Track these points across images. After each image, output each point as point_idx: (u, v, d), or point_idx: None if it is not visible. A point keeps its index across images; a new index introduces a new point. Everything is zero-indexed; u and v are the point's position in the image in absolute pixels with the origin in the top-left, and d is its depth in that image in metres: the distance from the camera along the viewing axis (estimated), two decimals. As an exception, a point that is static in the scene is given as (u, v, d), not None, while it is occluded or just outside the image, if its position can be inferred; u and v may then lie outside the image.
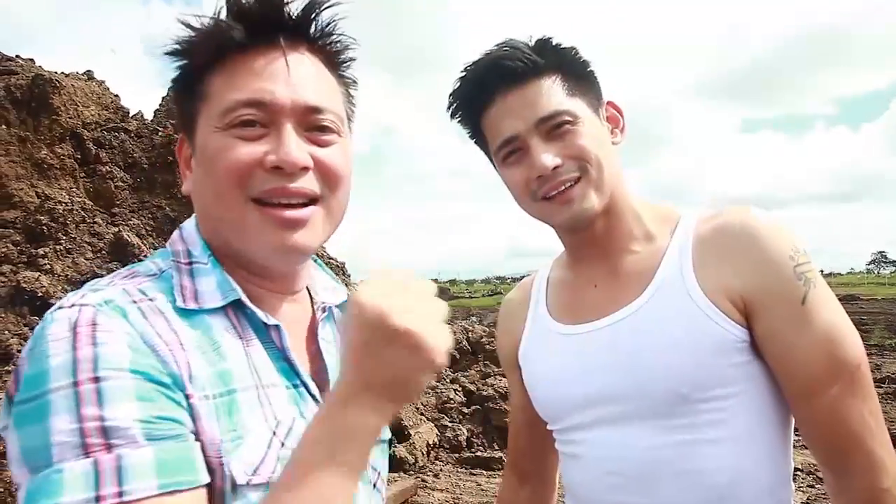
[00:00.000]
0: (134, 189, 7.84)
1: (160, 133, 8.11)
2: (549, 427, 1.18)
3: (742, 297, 0.98)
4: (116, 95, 8.98)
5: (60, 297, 5.36)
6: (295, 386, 0.84)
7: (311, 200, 0.83)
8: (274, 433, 0.77)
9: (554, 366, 1.13)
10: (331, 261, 9.15)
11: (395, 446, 6.45)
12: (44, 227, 6.36)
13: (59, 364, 0.65)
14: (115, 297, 0.74)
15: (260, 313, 0.83)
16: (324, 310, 0.96)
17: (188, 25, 0.82)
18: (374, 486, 0.95)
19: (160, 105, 8.82)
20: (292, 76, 0.82)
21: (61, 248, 6.29)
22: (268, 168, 0.79)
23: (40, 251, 6.08)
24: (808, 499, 5.47)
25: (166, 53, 0.85)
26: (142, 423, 0.65)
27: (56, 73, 8.17)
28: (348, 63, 0.91)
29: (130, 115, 8.92)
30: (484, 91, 1.07)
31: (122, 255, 6.46)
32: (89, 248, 6.52)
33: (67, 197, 6.97)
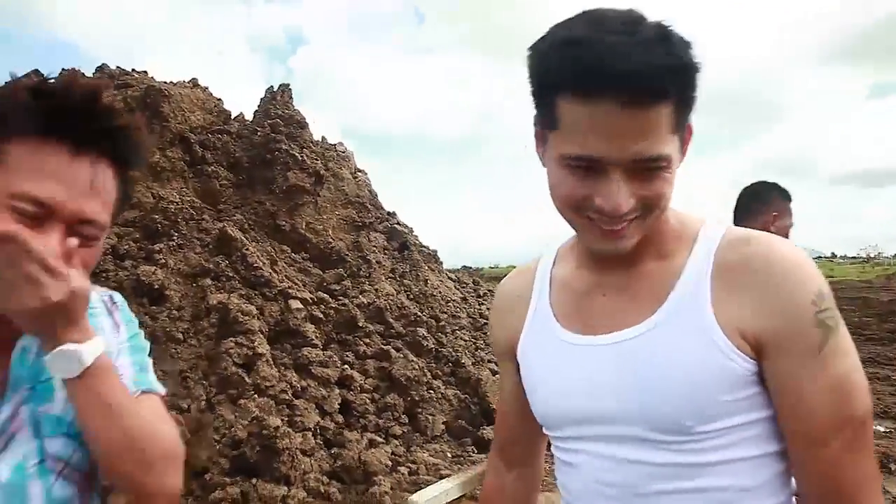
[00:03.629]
0: (236, 187, 8.40)
1: (258, 133, 8.63)
2: (544, 430, 1.19)
3: (757, 336, 0.94)
4: (219, 99, 9.61)
5: (174, 289, 5.86)
6: None
7: None
8: None
9: (556, 375, 1.09)
10: (423, 248, 9.43)
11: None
12: (158, 225, 6.97)
13: None
14: None
15: None
16: None
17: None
18: (60, 473, 0.99)
19: (258, 106, 9.35)
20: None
21: (174, 243, 6.87)
22: None
23: (156, 247, 6.68)
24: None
25: None
26: None
27: (165, 83, 8.86)
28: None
29: (232, 116, 9.53)
30: (591, 84, 0.86)
31: (226, 249, 6.98)
32: (198, 243, 7.08)
33: (178, 197, 7.58)
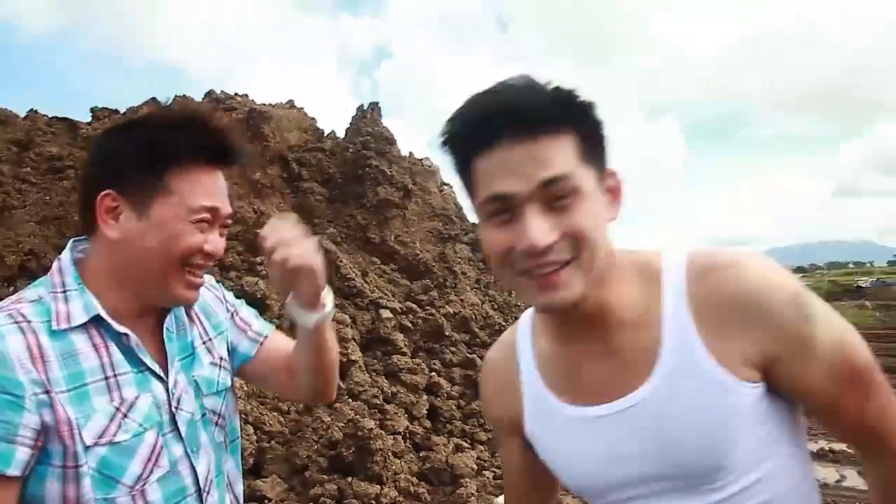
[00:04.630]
0: (330, 201, 8.88)
1: (350, 150, 9.10)
2: (586, 499, 1.20)
3: (762, 359, 0.99)
4: (313, 118, 10.17)
5: (275, 299, 6.32)
6: (140, 371, 1.14)
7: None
8: (117, 409, 1.08)
9: (578, 455, 1.09)
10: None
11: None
12: (260, 239, 7.49)
13: None
14: (0, 323, 1.04)
15: (114, 325, 1.11)
16: (168, 308, 1.24)
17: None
18: (216, 424, 1.25)
19: (349, 124, 9.84)
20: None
21: (274, 256, 7.37)
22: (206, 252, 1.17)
23: (258, 259, 7.18)
24: None
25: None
26: None
27: (265, 105, 9.48)
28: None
29: (325, 134, 10.06)
30: (488, 131, 0.92)
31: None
32: (296, 255, 7.55)
33: (277, 212, 8.11)
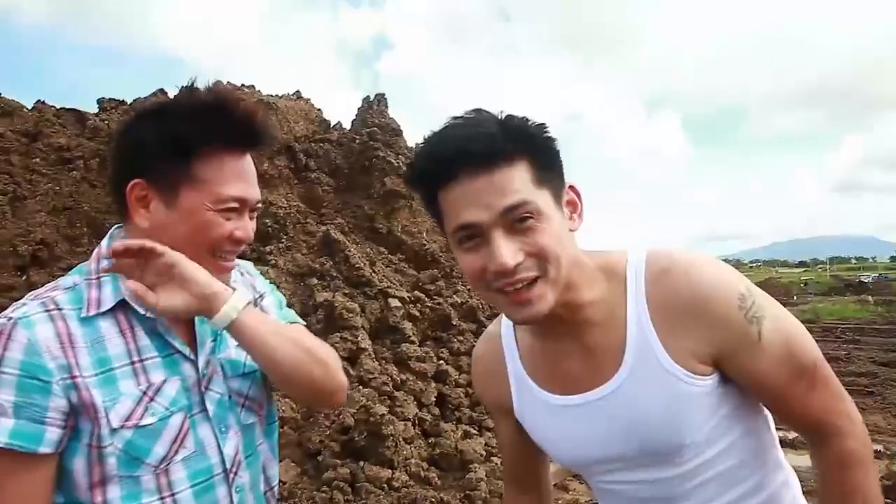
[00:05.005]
0: (337, 192, 8.92)
1: (357, 141, 9.13)
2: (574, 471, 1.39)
3: (711, 355, 1.10)
4: (319, 110, 10.20)
5: (284, 287, 6.37)
6: (169, 355, 1.16)
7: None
8: (144, 393, 1.11)
9: (561, 435, 1.22)
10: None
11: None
12: (269, 229, 7.54)
13: None
14: (30, 312, 1.07)
15: (140, 309, 1.13)
16: None
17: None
18: (243, 406, 1.26)
19: (356, 115, 9.87)
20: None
21: (283, 245, 7.42)
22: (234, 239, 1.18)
23: (267, 249, 7.25)
24: None
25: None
26: (13, 403, 1.02)
27: (272, 95, 9.51)
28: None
29: (331, 125, 10.10)
30: (447, 170, 1.02)
31: (329, 250, 7.47)
32: (304, 245, 7.61)
33: (285, 202, 8.16)
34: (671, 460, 1.14)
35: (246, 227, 1.18)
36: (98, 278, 1.15)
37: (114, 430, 1.08)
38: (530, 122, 1.06)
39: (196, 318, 1.22)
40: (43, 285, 1.16)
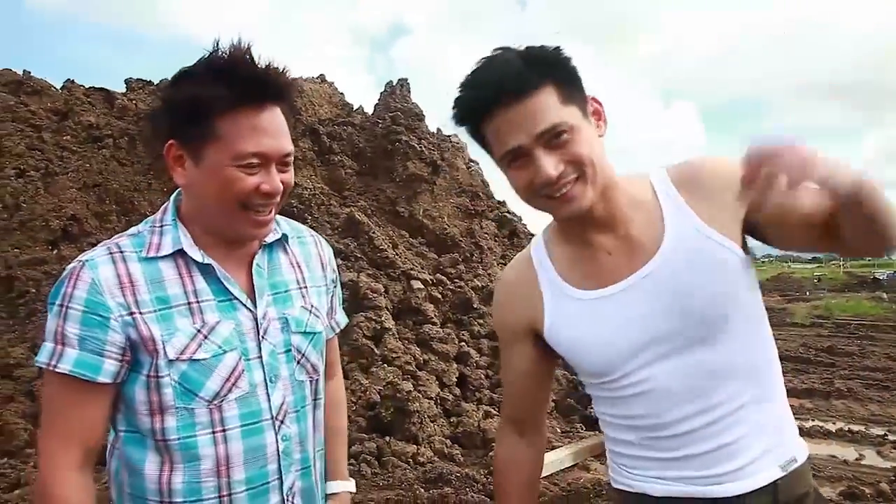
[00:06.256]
0: (360, 174, 9.01)
1: (380, 125, 9.20)
2: (594, 382, 1.34)
3: (738, 220, 1.21)
4: (342, 94, 10.28)
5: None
6: (227, 300, 1.24)
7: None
8: (199, 330, 1.19)
9: (604, 327, 1.25)
10: (531, 236, 9.72)
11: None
12: (294, 210, 7.64)
13: (57, 292, 1.17)
14: (96, 255, 1.19)
15: (197, 255, 1.22)
16: (261, 245, 1.33)
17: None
18: (298, 362, 1.32)
19: (378, 100, 9.94)
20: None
21: (307, 226, 7.50)
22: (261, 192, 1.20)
23: (293, 229, 7.33)
24: None
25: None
26: (78, 336, 1.14)
27: (296, 78, 9.58)
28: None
29: (354, 109, 10.17)
30: (485, 107, 1.16)
31: (353, 231, 7.57)
32: (328, 226, 7.70)
33: (310, 184, 8.26)
34: (713, 336, 1.20)
35: (273, 181, 1.20)
36: (161, 226, 1.25)
37: (170, 362, 1.17)
38: (550, 50, 1.19)
39: (255, 271, 1.29)
40: (72, 260, 1.23)
